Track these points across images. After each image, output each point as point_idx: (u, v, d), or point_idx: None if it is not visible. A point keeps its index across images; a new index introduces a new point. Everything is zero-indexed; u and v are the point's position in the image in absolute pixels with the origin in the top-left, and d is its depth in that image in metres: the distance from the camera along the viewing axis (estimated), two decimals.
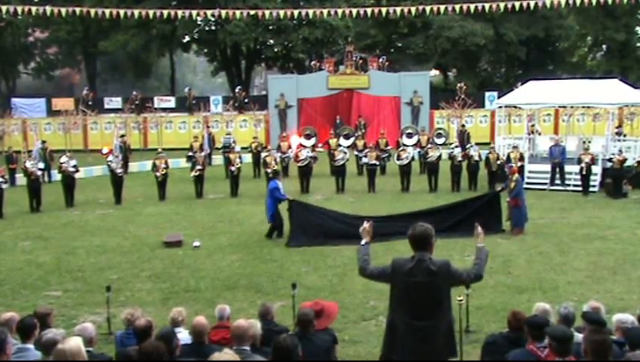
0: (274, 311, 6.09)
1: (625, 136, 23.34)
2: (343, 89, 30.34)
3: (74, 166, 18.15)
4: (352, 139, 24.78)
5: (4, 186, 16.52)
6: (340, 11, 30.61)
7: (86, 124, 30.88)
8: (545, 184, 18.97)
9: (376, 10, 29.25)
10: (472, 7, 27.67)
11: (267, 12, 30.69)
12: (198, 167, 18.79)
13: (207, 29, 40.06)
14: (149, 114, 30.90)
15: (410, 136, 25.53)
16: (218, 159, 24.79)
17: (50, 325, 5.51)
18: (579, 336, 4.70)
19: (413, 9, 27.83)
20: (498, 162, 18.53)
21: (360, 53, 31.97)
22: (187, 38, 41.51)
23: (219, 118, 31.05)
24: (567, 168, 18.79)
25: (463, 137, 24.25)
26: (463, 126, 26.59)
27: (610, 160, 18.37)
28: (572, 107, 24.13)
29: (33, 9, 27.77)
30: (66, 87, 46.25)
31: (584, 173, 17.94)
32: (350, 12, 30.12)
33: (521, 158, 18.62)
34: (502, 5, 27.44)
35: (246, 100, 32.43)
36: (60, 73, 47.12)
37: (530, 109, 23.76)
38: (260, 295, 9.70)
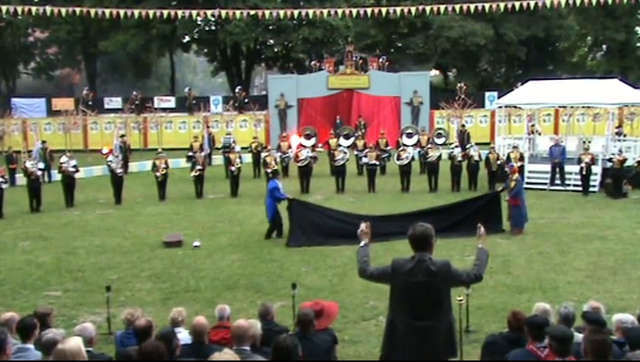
0: (274, 311, 6.09)
1: (625, 136, 23.33)
2: (343, 89, 30.33)
3: (74, 166, 18.15)
4: (352, 139, 24.79)
5: (4, 186, 16.52)
6: (340, 11, 30.62)
7: (86, 124, 30.88)
8: (545, 184, 18.97)
9: (376, 10, 29.24)
10: (472, 7, 27.67)
11: (267, 12, 30.69)
12: (198, 167, 18.79)
13: (207, 29, 40.07)
14: (149, 114, 30.90)
15: (410, 136, 25.54)
16: (218, 159, 24.79)
17: (50, 325, 5.51)
18: (579, 336, 4.70)
19: (413, 9, 27.83)
20: (498, 162, 18.53)
21: (360, 53, 31.98)
22: (187, 38, 41.51)
23: (219, 118, 31.05)
24: (567, 168, 18.80)
25: (463, 137, 24.25)
26: (463, 126, 26.60)
27: (610, 160, 18.37)
28: (572, 107, 24.13)
29: (33, 9, 27.77)
30: (66, 87, 46.26)
31: (584, 173, 17.95)
32: (350, 12, 30.13)
33: (521, 158, 18.62)
34: (502, 5, 27.44)
35: (246, 100, 32.43)
36: (60, 73, 47.14)
37: (530, 109, 23.77)
38: (260, 295, 9.70)
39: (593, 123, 26.47)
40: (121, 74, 45.76)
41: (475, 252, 5.32)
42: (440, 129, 28.10)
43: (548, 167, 19.07)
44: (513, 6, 26.99)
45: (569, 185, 18.70)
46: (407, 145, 21.80)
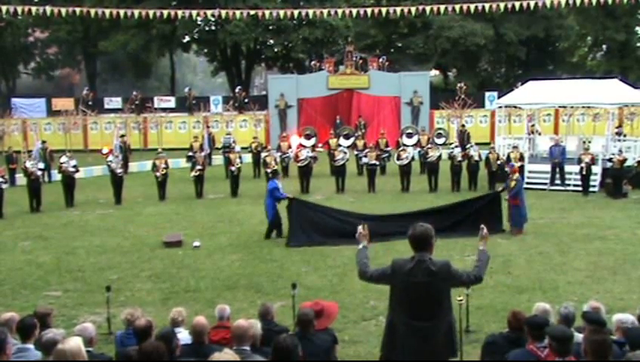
0: (274, 311, 6.09)
1: (625, 136, 23.33)
2: (343, 89, 30.33)
3: (74, 166, 18.15)
4: (352, 139, 24.79)
5: (4, 186, 16.52)
6: (340, 11, 30.61)
7: (86, 124, 30.88)
8: (545, 184, 18.98)
9: (376, 10, 29.23)
10: (472, 7, 27.67)
11: (267, 12, 30.69)
12: (198, 167, 18.79)
13: (207, 29, 40.07)
14: (149, 114, 30.90)
15: (410, 136, 25.55)
16: (218, 159, 24.80)
17: (50, 325, 5.51)
18: (579, 336, 4.70)
19: (413, 9, 27.82)
20: (498, 162, 18.53)
21: (360, 53, 31.98)
22: (187, 38, 41.51)
23: (219, 118, 31.05)
24: (567, 168, 18.80)
25: (463, 137, 24.25)
26: (463, 126, 26.60)
27: (610, 160, 18.37)
28: (572, 107, 24.13)
29: (33, 9, 27.76)
30: (66, 87, 46.27)
31: (584, 173, 17.95)
32: (350, 12, 30.12)
33: (521, 158, 18.62)
34: (502, 5, 27.43)
35: (246, 100, 32.43)
36: (60, 73, 47.14)
37: (530, 109, 23.77)
38: (259, 295, 9.70)
39: (593, 123, 26.47)
40: (121, 74, 45.77)
41: (475, 252, 5.32)
42: (440, 129, 28.11)
43: (548, 167, 19.07)
44: (513, 6, 26.99)
45: (569, 185, 18.70)
46: (407, 145, 21.81)
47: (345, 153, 19.81)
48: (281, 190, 13.57)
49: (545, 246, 12.43)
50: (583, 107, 24.79)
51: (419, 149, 22.17)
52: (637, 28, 39.56)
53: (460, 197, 16.02)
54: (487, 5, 27.48)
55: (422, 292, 4.84)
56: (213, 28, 39.42)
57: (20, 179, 19.67)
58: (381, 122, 28.68)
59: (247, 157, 22.34)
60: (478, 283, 5.21)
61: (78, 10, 27.54)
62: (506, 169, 16.22)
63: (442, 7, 28.05)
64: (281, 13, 30.54)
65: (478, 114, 30.18)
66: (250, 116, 30.53)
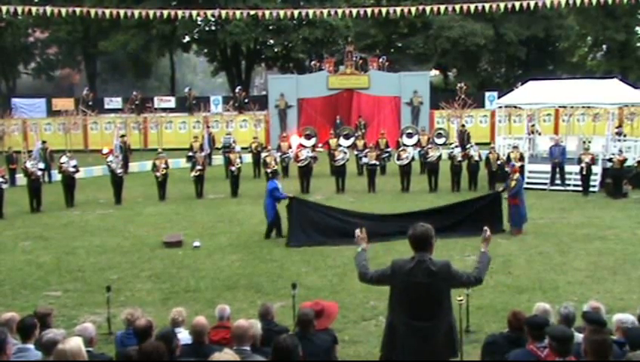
0: (274, 311, 6.09)
1: (625, 136, 23.34)
2: (343, 89, 30.33)
3: (74, 166, 18.15)
4: (352, 139, 24.80)
5: (4, 186, 16.52)
6: (340, 11, 30.60)
7: (86, 124, 30.89)
8: (545, 184, 18.97)
9: (376, 10, 29.23)
10: (472, 7, 27.66)
11: (267, 12, 30.69)
12: (198, 167, 18.79)
13: (207, 29, 40.05)
14: (149, 114, 30.90)
15: (410, 136, 25.56)
16: (218, 159, 24.80)
17: (51, 325, 5.51)
18: (579, 336, 4.70)
19: (413, 9, 27.81)
20: (498, 162, 18.53)
21: (360, 53, 31.99)
22: (187, 38, 41.50)
23: (219, 118, 31.05)
24: (568, 168, 18.80)
25: (463, 137, 24.26)
26: (463, 126, 26.60)
27: (610, 160, 18.36)
28: (572, 107, 24.13)
29: (33, 9, 27.76)
30: (66, 87, 46.28)
31: (584, 173, 17.95)
32: (350, 12, 30.12)
33: (521, 158, 18.62)
34: (502, 5, 27.43)
35: (246, 100, 32.44)
36: (60, 73, 47.15)
37: (531, 109, 23.77)
38: (260, 295, 9.69)
39: (593, 123, 26.47)
40: (121, 74, 45.77)
41: (476, 253, 5.32)
42: (440, 129, 28.11)
43: (548, 167, 19.07)
44: (513, 6, 26.98)
45: (569, 185, 18.70)
46: (407, 145, 21.82)
47: (345, 153, 19.80)
48: (281, 190, 13.57)
49: (545, 246, 12.43)
50: (583, 107, 24.79)
51: (419, 149, 22.16)
52: (637, 28, 39.56)
53: (460, 197, 16.01)
54: (487, 5, 27.48)
55: (422, 293, 4.84)
56: (213, 28, 39.41)
57: (20, 179, 19.67)
58: (381, 122, 28.69)
59: (248, 158, 22.34)
60: (478, 284, 5.22)
61: (78, 10, 27.54)
62: (507, 169, 16.22)
63: (442, 7, 28.05)
64: (281, 13, 30.56)
65: (478, 114, 30.18)
66: (250, 116, 30.53)
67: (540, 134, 23.36)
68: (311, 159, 19.64)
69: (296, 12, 31.26)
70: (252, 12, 31.09)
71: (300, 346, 4.36)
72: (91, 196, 19.03)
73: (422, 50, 39.18)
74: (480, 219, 12.76)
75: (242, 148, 22.64)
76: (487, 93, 32.25)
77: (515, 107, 24.62)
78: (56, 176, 19.81)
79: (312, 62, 34.54)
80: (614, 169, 18.02)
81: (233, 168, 19.08)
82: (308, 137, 25.74)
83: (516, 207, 13.51)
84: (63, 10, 27.49)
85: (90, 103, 32.25)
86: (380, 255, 10.46)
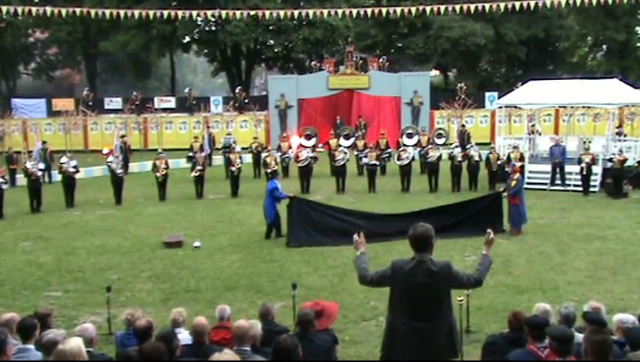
0: (274, 312, 6.09)
1: (625, 136, 23.34)
2: (343, 89, 30.33)
3: (74, 166, 18.16)
4: (352, 140, 24.80)
5: (4, 187, 16.53)
6: (340, 11, 30.60)
7: (86, 125, 30.88)
8: (545, 184, 18.97)
9: (376, 10, 29.24)
10: (472, 7, 27.66)
11: (267, 12, 30.70)
12: (199, 168, 18.79)
13: (207, 29, 40.05)
14: (149, 114, 30.92)
15: (410, 136, 25.56)
16: (218, 159, 24.81)
17: (51, 325, 5.52)
18: (579, 336, 4.70)
19: (413, 9, 27.81)
20: (498, 162, 18.53)
21: (360, 54, 32.01)
22: (187, 39, 41.51)
23: (219, 119, 31.06)
24: (568, 168, 18.79)
25: (463, 137, 24.24)
26: (463, 126, 26.59)
27: (610, 160, 18.36)
28: (572, 107, 24.14)
29: (33, 9, 27.76)
30: (66, 87, 46.29)
31: (584, 173, 17.94)
32: (350, 12, 30.11)
33: (522, 158, 18.62)
34: (502, 5, 27.44)
35: (246, 101, 32.46)
36: (60, 73, 47.17)
37: (531, 109, 23.78)
38: (260, 295, 9.70)
39: (593, 123, 26.48)
40: (121, 74, 45.79)
41: (476, 253, 5.32)
42: (440, 129, 28.10)
43: (548, 167, 19.07)
44: (513, 6, 26.98)
45: (569, 185, 18.70)
46: (408, 146, 21.81)
47: (345, 153, 19.80)
48: (281, 190, 13.57)
49: (545, 246, 12.43)
50: (584, 107, 24.80)
51: (419, 149, 22.16)
52: (637, 28, 39.56)
53: (461, 197, 16.01)
54: (487, 5, 27.48)
55: (422, 293, 4.84)
56: (213, 28, 39.41)
57: (21, 179, 19.68)
58: (381, 122, 28.69)
59: (248, 158, 22.34)
60: (477, 286, 5.22)
61: (78, 10, 27.56)
62: (507, 169, 16.23)
63: (442, 8, 28.05)
64: (281, 13, 30.57)
65: (478, 114, 30.19)
66: (250, 116, 30.55)
67: (540, 134, 23.35)
68: (311, 159, 19.64)
69: (296, 12, 31.28)
70: (252, 12, 31.10)
71: (300, 346, 4.36)
72: (91, 196, 19.03)
73: (422, 51, 39.19)
74: (480, 220, 12.81)
75: (242, 149, 22.63)
76: (487, 93, 32.27)
77: (515, 107, 24.63)
78: (57, 177, 19.82)
79: (312, 63, 34.54)
80: (614, 169, 18.02)
81: (233, 168, 19.08)
82: (308, 137, 25.74)
83: (516, 206, 13.51)
84: (63, 11, 27.49)
85: (91, 104, 32.26)
86: (380, 255, 10.48)
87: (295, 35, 37.60)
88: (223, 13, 30.37)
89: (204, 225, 14.94)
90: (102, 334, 7.47)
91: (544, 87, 21.49)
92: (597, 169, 18.36)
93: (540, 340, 4.56)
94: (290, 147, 22.57)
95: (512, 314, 5.22)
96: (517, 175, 14.02)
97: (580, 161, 18.06)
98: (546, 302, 5.64)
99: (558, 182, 18.84)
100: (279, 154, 21.29)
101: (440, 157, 19.45)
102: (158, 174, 18.51)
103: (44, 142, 23.29)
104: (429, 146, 20.34)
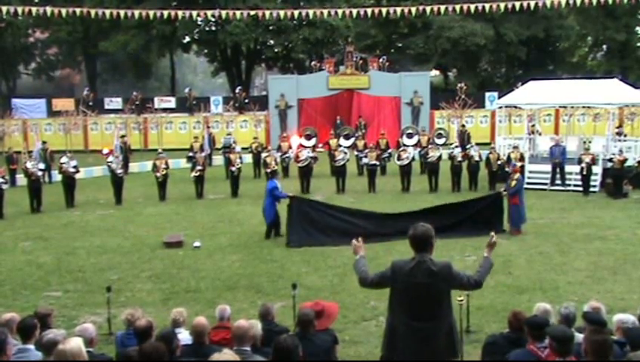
0: (274, 312, 6.09)
1: (625, 136, 23.34)
2: (344, 89, 30.34)
3: (74, 166, 18.16)
4: (352, 140, 24.80)
5: (4, 187, 16.53)
6: (340, 11, 30.59)
7: (86, 125, 30.88)
8: (545, 184, 18.97)
9: (376, 10, 29.23)
10: (472, 7, 27.66)
11: (267, 12, 30.70)
12: (199, 168, 18.80)
13: (207, 29, 40.05)
14: (149, 114, 30.92)
15: (410, 136, 25.56)
16: (218, 159, 24.81)
17: (51, 325, 5.52)
18: (579, 336, 4.70)
19: (413, 9, 27.81)
20: (498, 162, 18.53)
21: (360, 54, 31.99)
22: (187, 39, 41.51)
23: (219, 119, 31.06)
24: (568, 168, 18.79)
25: (464, 137, 24.25)
26: (464, 126, 26.59)
27: (610, 160, 18.36)
28: (572, 107, 24.14)
29: (33, 9, 27.76)
30: (66, 87, 46.28)
31: (584, 173, 17.94)
32: (350, 12, 30.11)
33: (522, 158, 18.62)
34: (502, 5, 27.43)
35: (246, 101, 32.46)
36: (60, 74, 47.16)
37: (531, 109, 23.77)
38: (260, 295, 9.70)
39: (593, 123, 26.47)
40: (121, 74, 45.78)
41: (476, 253, 5.32)
42: (440, 129, 28.10)
43: (548, 167, 19.07)
44: (513, 6, 26.98)
45: (569, 185, 18.69)
46: (408, 146, 21.80)
47: (345, 153, 19.81)
48: (281, 189, 13.57)
49: (545, 246, 12.43)
50: (584, 107, 24.80)
51: (419, 149, 22.16)
52: (637, 28, 39.54)
53: (461, 197, 15.99)
54: (487, 5, 27.48)
55: (422, 293, 4.84)
56: (213, 28, 39.40)
57: (21, 179, 19.68)
58: (381, 122, 28.70)
59: (248, 158, 22.34)
60: (477, 288, 5.22)
61: (78, 10, 27.56)
62: (507, 169, 16.23)
63: (442, 8, 28.05)
64: (282, 13, 30.57)
65: (478, 114, 30.19)
66: (250, 116, 30.56)
67: (540, 134, 23.35)
68: (311, 159, 19.64)
69: (296, 12, 31.28)
70: (252, 12, 31.11)
71: (300, 346, 4.36)
72: (91, 196, 19.03)
73: (422, 51, 39.19)
74: (480, 220, 12.83)
75: (242, 149, 22.61)
76: (487, 94, 32.26)
77: (516, 107, 24.63)
78: (57, 177, 19.82)
79: (313, 63, 34.53)
80: (615, 169, 18.02)
81: (233, 168, 19.08)
82: (308, 137, 25.74)
83: (516, 206, 13.50)
84: (63, 11, 27.50)
85: (91, 104, 32.26)
86: (380, 255, 10.49)
87: (295, 35, 37.60)
88: (223, 13, 30.37)
89: (204, 225, 14.94)
90: (102, 334, 7.47)
91: (544, 87, 21.49)
92: (597, 169, 18.36)
93: (540, 340, 4.56)
94: (290, 147, 22.57)
95: (512, 314, 5.22)
96: (517, 175, 14.01)
97: (580, 161, 18.07)
98: (546, 302, 5.64)
99: (558, 182, 18.84)
100: (279, 154, 21.30)
101: (440, 157, 19.45)
102: (158, 174, 18.51)
103: (44, 142, 23.30)
104: (429, 146, 20.34)
